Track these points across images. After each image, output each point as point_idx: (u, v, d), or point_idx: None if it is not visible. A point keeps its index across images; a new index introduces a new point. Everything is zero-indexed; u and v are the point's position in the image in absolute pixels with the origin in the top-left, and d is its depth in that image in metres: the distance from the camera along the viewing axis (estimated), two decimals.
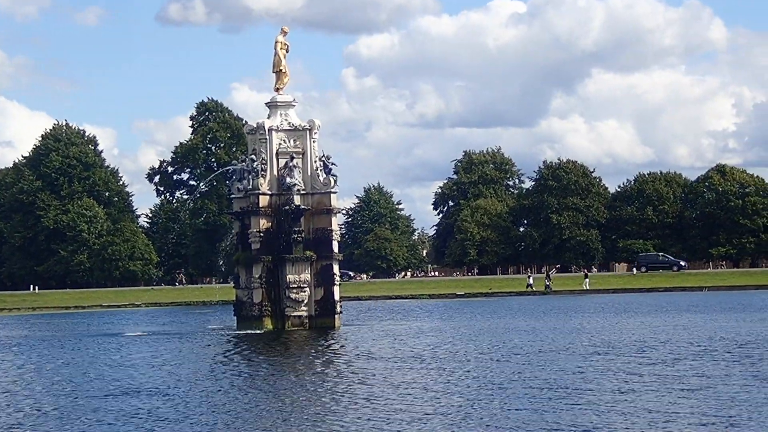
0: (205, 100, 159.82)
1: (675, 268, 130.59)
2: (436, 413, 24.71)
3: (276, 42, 58.63)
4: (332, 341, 47.52)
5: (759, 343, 40.03)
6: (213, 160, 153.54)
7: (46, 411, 27.17)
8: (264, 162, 56.66)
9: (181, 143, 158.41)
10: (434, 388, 29.06)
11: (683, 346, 39.94)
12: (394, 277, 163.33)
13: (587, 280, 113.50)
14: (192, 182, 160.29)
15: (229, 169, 62.55)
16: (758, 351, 37.03)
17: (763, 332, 45.61)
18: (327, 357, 40.26)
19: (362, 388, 29.38)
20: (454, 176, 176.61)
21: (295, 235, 55.64)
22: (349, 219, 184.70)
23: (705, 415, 23.51)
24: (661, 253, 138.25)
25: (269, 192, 56.46)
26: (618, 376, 30.56)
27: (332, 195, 56.91)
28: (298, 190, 56.06)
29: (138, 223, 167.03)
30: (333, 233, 56.85)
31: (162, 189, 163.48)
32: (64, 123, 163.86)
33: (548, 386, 28.66)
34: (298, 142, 57.26)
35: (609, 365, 33.64)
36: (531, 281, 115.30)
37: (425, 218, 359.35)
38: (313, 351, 43.43)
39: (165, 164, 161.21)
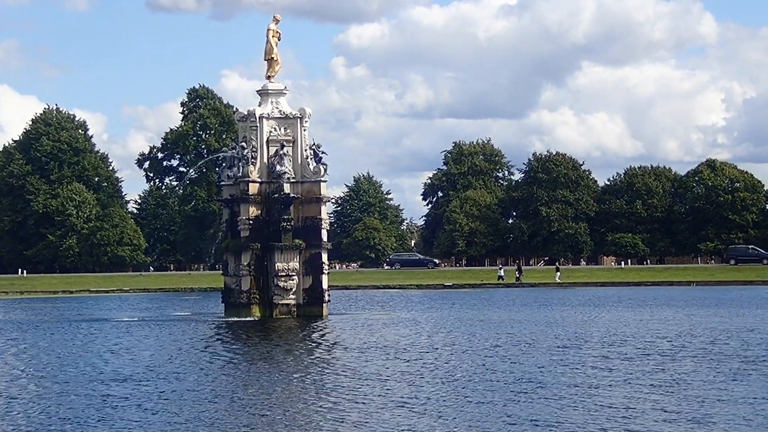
0: (196, 86, 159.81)
1: (765, 261, 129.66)
2: (399, 405, 24.69)
3: (268, 30, 58.62)
4: (319, 330, 47.56)
5: (731, 340, 39.97)
6: (203, 146, 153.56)
7: (28, 396, 27.17)
8: (254, 149, 56.65)
9: (171, 129, 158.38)
10: (404, 380, 28.95)
11: (654, 341, 39.87)
12: (383, 267, 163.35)
13: (558, 273, 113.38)
14: (182, 169, 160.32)
15: (219, 156, 62.64)
16: (729, 347, 36.93)
17: (737, 328, 45.60)
18: (311, 346, 40.27)
19: (340, 378, 29.50)
20: (444, 167, 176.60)
21: (285, 223, 55.69)
22: (339, 208, 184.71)
23: (666, 412, 23.40)
24: (751, 246, 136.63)
25: (259, 180, 56.47)
26: (583, 371, 30.49)
27: (322, 184, 56.94)
28: (288, 178, 56.08)
29: (127, 209, 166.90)
30: (322, 222, 56.88)
31: (152, 175, 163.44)
32: (54, 107, 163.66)
33: (513, 380, 28.61)
34: (288, 130, 57.27)
35: (576, 359, 33.60)
36: (502, 273, 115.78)
37: (414, 208, 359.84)
38: (299, 339, 43.50)
39: (155, 150, 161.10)
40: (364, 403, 25.08)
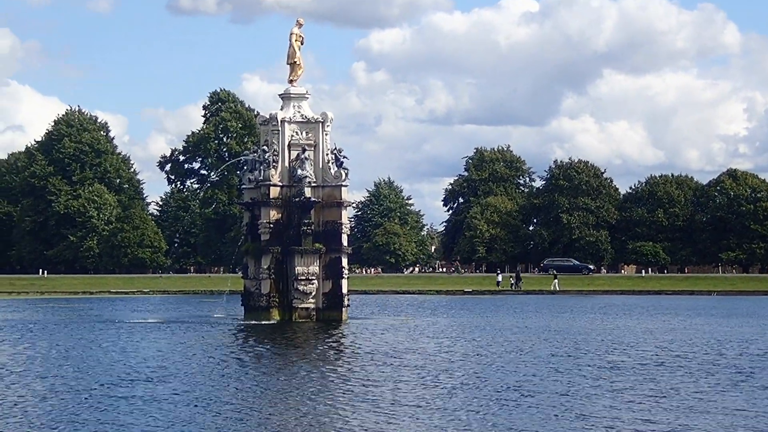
0: (218, 90, 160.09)
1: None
2: (384, 411, 24.62)
3: (291, 34, 58.61)
4: (335, 335, 47.44)
5: (732, 350, 39.58)
6: (224, 150, 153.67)
7: (45, 395, 27.24)
8: (276, 153, 56.65)
9: (192, 132, 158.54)
10: (398, 386, 28.82)
11: (653, 350, 39.53)
12: (402, 272, 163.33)
13: (556, 281, 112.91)
14: (203, 171, 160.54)
15: (241, 159, 62.60)
16: (728, 358, 36.54)
17: (743, 339, 45.32)
18: (322, 350, 40.06)
19: (339, 383, 29.52)
20: (465, 173, 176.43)
21: (305, 227, 55.64)
22: (359, 212, 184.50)
23: (650, 422, 23.13)
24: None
25: (280, 183, 56.45)
26: (573, 380, 30.24)
27: (343, 188, 56.87)
28: (309, 182, 56.01)
29: (148, 211, 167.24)
30: (343, 226, 56.80)
31: (173, 177, 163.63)
32: (77, 109, 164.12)
33: (503, 388, 28.42)
34: (310, 135, 57.24)
35: (570, 367, 33.35)
36: (500, 279, 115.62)
37: (434, 214, 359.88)
38: (312, 344, 43.35)
39: (176, 153, 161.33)
40: (347, 407, 25.04)
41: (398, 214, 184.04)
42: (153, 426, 22.65)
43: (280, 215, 56.26)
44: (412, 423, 23.14)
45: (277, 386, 28.71)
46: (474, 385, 29.22)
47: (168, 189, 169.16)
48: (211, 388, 28.37)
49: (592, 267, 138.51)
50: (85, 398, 26.56)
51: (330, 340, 44.99)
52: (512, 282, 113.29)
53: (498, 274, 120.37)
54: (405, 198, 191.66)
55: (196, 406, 25.31)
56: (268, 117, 57.96)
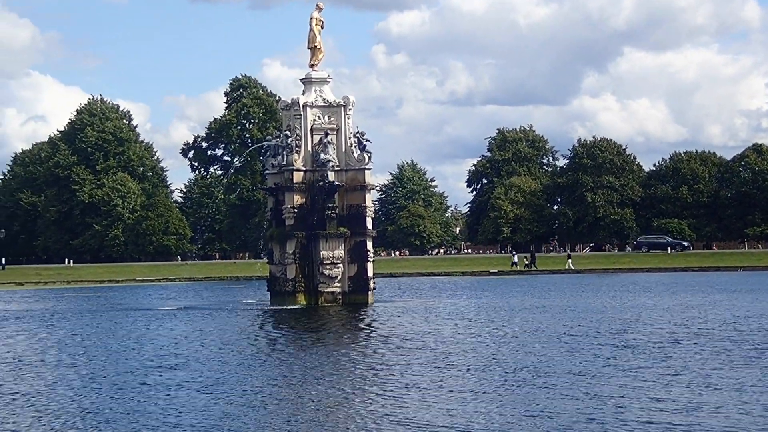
0: (239, 76, 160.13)
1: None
2: (388, 394, 24.47)
3: (311, 18, 58.49)
4: (358, 318, 47.40)
5: (749, 327, 39.10)
6: (247, 136, 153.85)
7: (57, 384, 27.32)
8: (298, 138, 56.60)
9: (215, 119, 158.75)
10: (409, 369, 28.63)
11: (668, 328, 39.01)
12: (429, 254, 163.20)
13: (570, 260, 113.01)
14: (226, 158, 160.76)
15: (264, 144, 62.59)
16: (744, 335, 35.99)
17: (761, 313, 44.93)
18: (352, 334, 40.16)
19: (365, 366, 29.43)
20: (488, 154, 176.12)
21: (329, 212, 55.60)
22: (383, 195, 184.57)
23: (664, 400, 22.84)
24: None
25: (303, 168, 56.42)
26: (587, 359, 29.93)
27: (366, 171, 56.79)
28: (333, 166, 55.98)
29: (172, 198, 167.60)
30: (367, 210, 56.74)
31: (196, 164, 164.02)
32: (99, 98, 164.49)
33: (517, 368, 28.17)
34: (332, 119, 57.17)
35: (584, 346, 33.06)
36: (516, 259, 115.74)
37: (457, 195, 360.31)
38: (342, 327, 43.42)
39: (199, 140, 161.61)
40: (361, 391, 24.96)
41: (422, 196, 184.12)
42: (168, 413, 22.57)
43: (304, 200, 56.25)
44: (425, 405, 23.03)
45: (294, 371, 28.62)
46: (488, 366, 29.07)
47: (191, 176, 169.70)
48: (228, 373, 28.33)
49: (686, 244, 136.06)
50: (104, 387, 26.54)
51: (353, 323, 45.01)
52: (527, 263, 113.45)
53: (514, 255, 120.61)
54: (428, 180, 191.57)
55: (211, 392, 25.28)
56: (289, 102, 57.92)
